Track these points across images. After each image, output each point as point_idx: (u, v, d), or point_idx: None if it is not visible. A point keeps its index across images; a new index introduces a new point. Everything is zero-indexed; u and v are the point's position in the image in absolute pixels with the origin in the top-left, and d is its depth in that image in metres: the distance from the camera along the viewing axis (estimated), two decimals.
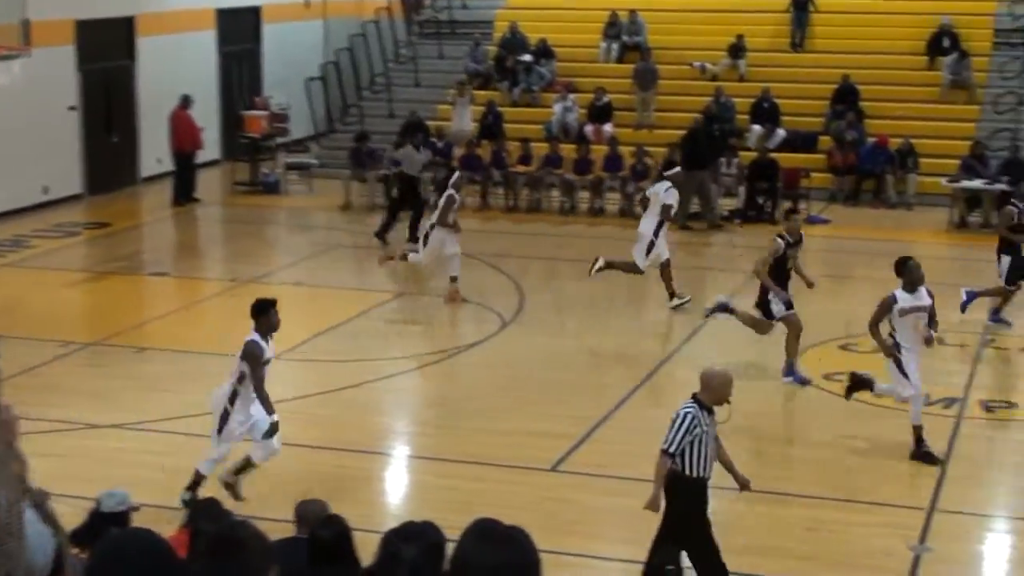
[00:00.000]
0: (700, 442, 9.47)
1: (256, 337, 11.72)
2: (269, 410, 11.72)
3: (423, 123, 28.91)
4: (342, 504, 8.92)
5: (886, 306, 13.39)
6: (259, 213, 27.12)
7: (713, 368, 9.82)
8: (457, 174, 20.60)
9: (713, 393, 9.63)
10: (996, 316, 18.39)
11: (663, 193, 19.36)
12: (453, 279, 19.49)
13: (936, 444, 13.61)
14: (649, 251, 19.21)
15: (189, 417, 14.20)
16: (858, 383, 13.93)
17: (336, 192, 27.19)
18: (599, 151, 27.50)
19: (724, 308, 16.69)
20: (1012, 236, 18.16)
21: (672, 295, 19.37)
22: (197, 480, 11.91)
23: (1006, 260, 18.16)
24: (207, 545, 4.44)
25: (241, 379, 11.74)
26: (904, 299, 13.29)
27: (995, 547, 11.89)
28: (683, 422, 9.46)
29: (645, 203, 19.78)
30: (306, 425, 14.30)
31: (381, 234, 23.56)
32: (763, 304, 16.11)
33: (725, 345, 18.09)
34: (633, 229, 19.69)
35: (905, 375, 13.25)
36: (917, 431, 13.22)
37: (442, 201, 19.57)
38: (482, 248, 22.97)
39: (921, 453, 13.17)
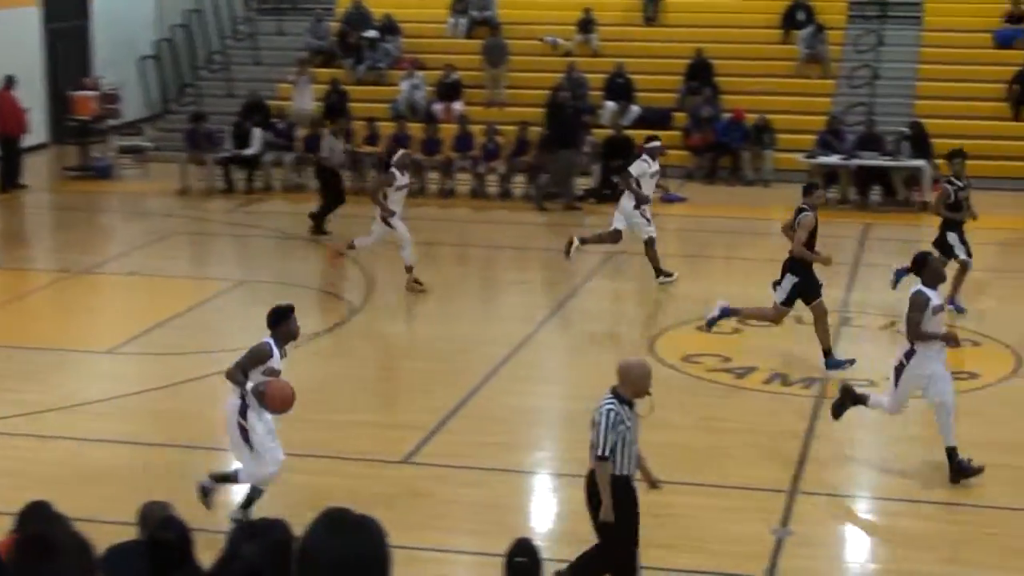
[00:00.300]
0: (624, 439, 9.35)
1: (270, 341, 11.31)
2: (241, 384, 11.24)
3: (264, 103, 28.68)
4: (187, 504, 8.84)
5: (920, 305, 12.35)
6: (90, 199, 26.66)
7: (630, 359, 9.74)
8: (401, 152, 19.90)
9: (633, 386, 9.44)
10: (952, 301, 18.06)
11: (633, 166, 19.73)
12: (351, 246, 19.47)
13: (797, 425, 13.87)
14: (647, 219, 19.44)
15: (21, 416, 13.93)
16: (849, 399, 13.15)
17: (172, 176, 26.82)
18: (448, 130, 27.49)
19: (726, 313, 16.26)
20: (951, 215, 18.19)
21: (582, 241, 19.69)
22: (225, 479, 11.54)
23: (953, 236, 18.19)
24: (18, 548, 4.37)
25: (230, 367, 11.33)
26: (934, 296, 12.47)
27: (857, 527, 12.15)
28: (607, 420, 9.29)
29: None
30: (146, 421, 14.13)
31: (318, 218, 23.24)
32: (805, 285, 15.85)
33: (580, 329, 18.23)
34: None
35: (896, 384, 12.70)
36: (858, 395, 13.12)
37: (381, 176, 19.37)
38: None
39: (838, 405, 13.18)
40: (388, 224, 18.88)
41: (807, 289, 15.86)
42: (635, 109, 29.01)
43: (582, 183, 26.42)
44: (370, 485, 12.17)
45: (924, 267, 12.73)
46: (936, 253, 17.10)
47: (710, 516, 11.76)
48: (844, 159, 26.04)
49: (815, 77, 30.08)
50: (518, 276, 20.98)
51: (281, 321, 11.41)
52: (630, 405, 9.44)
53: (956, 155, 18.69)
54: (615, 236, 19.71)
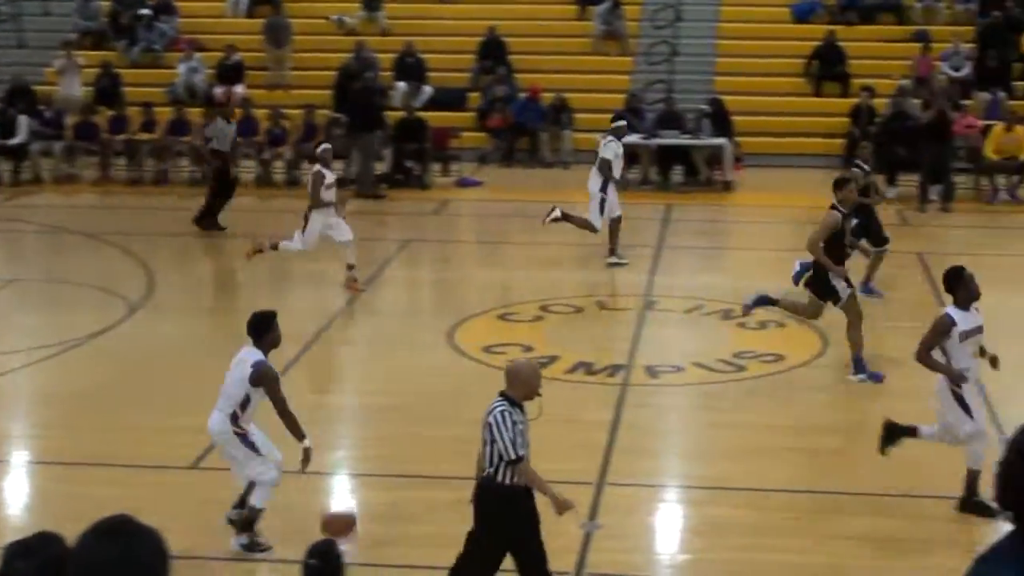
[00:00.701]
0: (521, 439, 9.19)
1: (263, 356, 10.98)
2: (300, 435, 10.94)
3: (29, 89, 28.01)
4: None
5: (943, 329, 11.65)
6: None
7: (517, 361, 9.60)
8: (323, 147, 19.20)
9: (523, 387, 9.28)
10: (867, 287, 18.26)
11: (602, 147, 20.34)
12: (350, 267, 18.78)
13: (602, 414, 14.01)
14: (603, 209, 20.03)
15: None
16: (897, 432, 12.22)
17: None
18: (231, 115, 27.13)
19: (766, 300, 15.67)
20: (860, 199, 17.81)
21: (612, 251, 20.11)
22: (253, 519, 11.08)
23: (855, 222, 18.22)
24: None
25: (244, 405, 10.93)
26: (962, 319, 11.69)
27: (667, 517, 12.32)
28: (504, 421, 9.10)
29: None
30: None
31: (202, 220, 22.38)
32: (818, 284, 15.36)
33: (377, 322, 18.18)
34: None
35: (967, 409, 11.71)
36: (971, 477, 11.74)
37: (310, 179, 18.84)
38: (104, 226, 22.45)
39: (971, 503, 11.71)
40: (305, 217, 18.55)
41: (818, 287, 15.40)
42: (427, 90, 29.02)
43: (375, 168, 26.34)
44: (156, 493, 11.97)
45: (956, 283, 11.88)
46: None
47: None
48: (644, 138, 26.37)
49: (613, 54, 30.43)
50: (309, 268, 20.83)
51: (268, 330, 11.17)
52: (520, 408, 9.28)
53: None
54: (614, 223, 20.24)
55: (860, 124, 27.17)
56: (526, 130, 28.03)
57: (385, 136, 26.25)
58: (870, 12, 31.14)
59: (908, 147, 24.99)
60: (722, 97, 27.39)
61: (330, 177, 18.66)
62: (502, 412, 9.12)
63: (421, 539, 11.12)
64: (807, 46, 29.48)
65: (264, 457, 11.04)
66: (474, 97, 29.13)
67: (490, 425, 9.12)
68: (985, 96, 28.30)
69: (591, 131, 27.22)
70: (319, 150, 19.10)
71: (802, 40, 29.86)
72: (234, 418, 10.96)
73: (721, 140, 26.21)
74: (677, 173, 26.72)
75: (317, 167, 18.77)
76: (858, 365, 15.29)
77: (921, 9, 30.98)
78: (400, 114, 27.17)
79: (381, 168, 26.27)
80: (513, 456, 9.08)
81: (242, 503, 11.21)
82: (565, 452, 13.17)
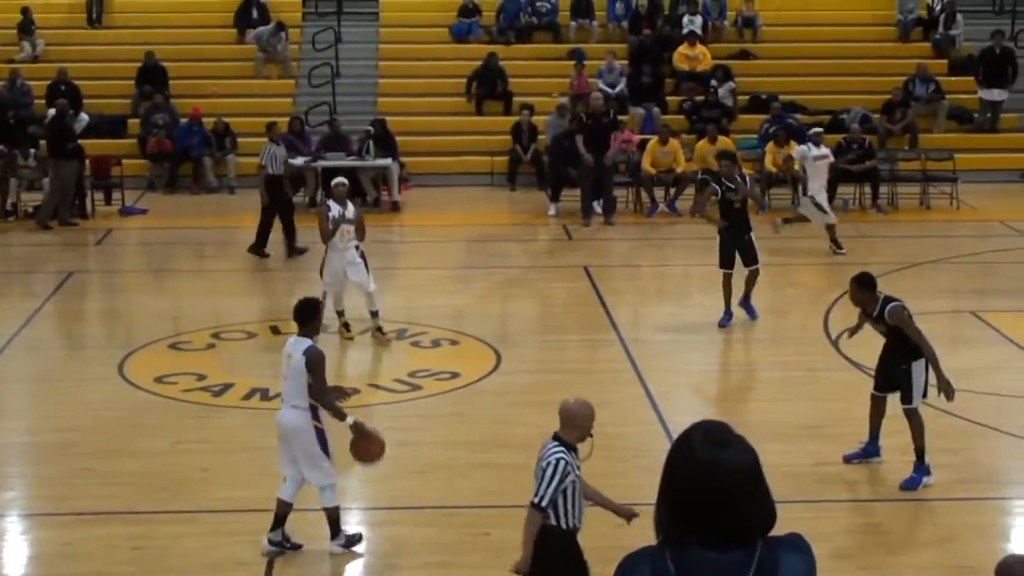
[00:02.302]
0: (573, 489, 8.97)
1: (311, 342, 11.05)
2: (341, 415, 11.18)
3: None
4: None
5: None
6: None
7: (571, 401, 9.16)
8: (337, 180, 17.71)
9: (578, 429, 9.02)
10: (746, 302, 18.18)
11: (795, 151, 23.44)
12: (373, 314, 17.64)
13: (265, 439, 13.89)
14: (818, 205, 22.10)
15: None
16: None
17: None
18: None
19: None
20: (716, 222, 18.02)
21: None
22: (336, 516, 11.37)
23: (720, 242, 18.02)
24: None
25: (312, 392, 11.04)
26: None
27: (374, 535, 12.31)
28: (556, 470, 8.86)
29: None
30: None
31: (259, 248, 21.83)
32: None
33: (42, 356, 17.63)
34: None
35: None
36: None
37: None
38: None
39: None
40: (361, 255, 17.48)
41: None
42: (84, 117, 28.36)
43: (33, 199, 25.54)
44: None
45: None
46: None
47: (190, 543, 11.61)
48: (309, 161, 26.31)
49: (275, 77, 30.35)
50: None
51: (316, 314, 11.40)
52: (575, 451, 9.06)
53: (724, 156, 18.89)
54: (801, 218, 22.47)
55: (522, 142, 27.70)
56: (189, 156, 27.65)
57: (14, 167, 25.37)
58: (527, 31, 31.81)
59: (574, 164, 25.46)
60: (386, 118, 27.53)
61: (337, 211, 17.21)
62: (558, 460, 8.93)
63: None
64: (467, 66, 29.91)
65: (331, 461, 11.20)
66: (134, 124, 28.61)
67: (543, 468, 8.97)
68: (640, 111, 29.23)
69: (256, 155, 27.01)
70: (334, 181, 17.75)
71: (462, 60, 30.29)
72: (315, 411, 11.04)
73: (387, 161, 26.32)
74: None
75: (326, 200, 17.74)
76: None
77: (575, 28, 31.78)
78: None
79: (40, 199, 25.49)
80: (536, 500, 8.96)
81: (281, 521, 11.35)
82: (246, 480, 13.04)
